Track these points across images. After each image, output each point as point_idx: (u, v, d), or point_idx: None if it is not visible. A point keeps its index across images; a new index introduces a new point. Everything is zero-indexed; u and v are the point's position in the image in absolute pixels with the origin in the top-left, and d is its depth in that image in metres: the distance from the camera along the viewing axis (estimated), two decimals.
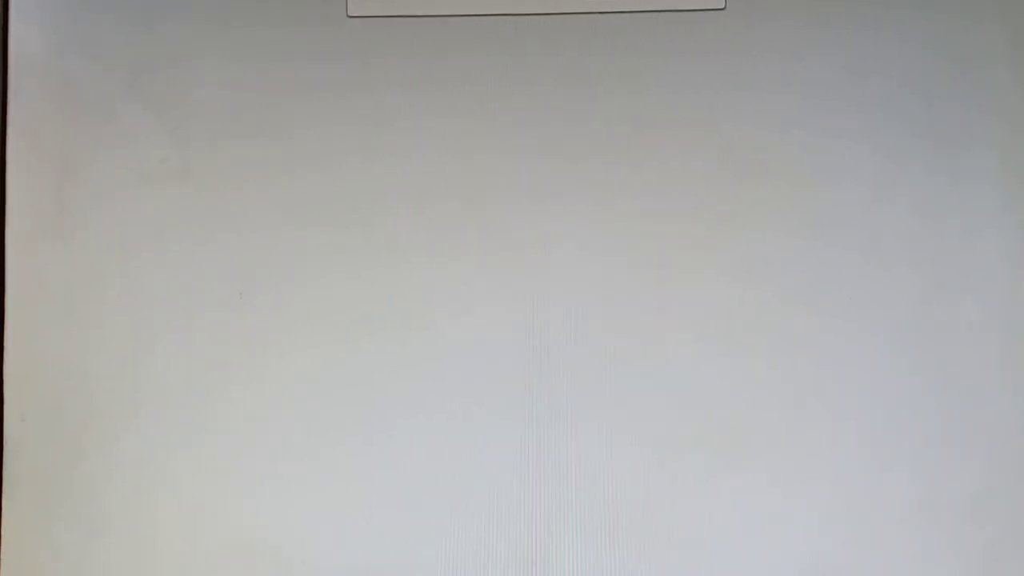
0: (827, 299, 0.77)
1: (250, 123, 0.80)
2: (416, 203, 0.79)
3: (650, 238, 0.78)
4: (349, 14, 0.80)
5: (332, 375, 0.78)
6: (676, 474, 0.77)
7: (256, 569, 0.78)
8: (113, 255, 0.79)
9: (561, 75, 0.79)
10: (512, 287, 0.78)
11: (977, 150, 0.78)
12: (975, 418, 0.76)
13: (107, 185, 0.80)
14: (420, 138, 0.79)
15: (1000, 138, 0.78)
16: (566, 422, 0.78)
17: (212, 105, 0.80)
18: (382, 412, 0.78)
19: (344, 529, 0.78)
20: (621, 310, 0.78)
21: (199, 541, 0.78)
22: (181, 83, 0.80)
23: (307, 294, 0.79)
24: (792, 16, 0.79)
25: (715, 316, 0.78)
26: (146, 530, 0.78)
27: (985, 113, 0.78)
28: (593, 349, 0.78)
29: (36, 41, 0.80)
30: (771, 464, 0.77)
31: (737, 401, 0.77)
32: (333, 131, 0.79)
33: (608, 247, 0.78)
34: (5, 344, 0.79)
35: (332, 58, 0.80)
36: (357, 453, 0.78)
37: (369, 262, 0.79)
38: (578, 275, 0.78)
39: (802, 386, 0.77)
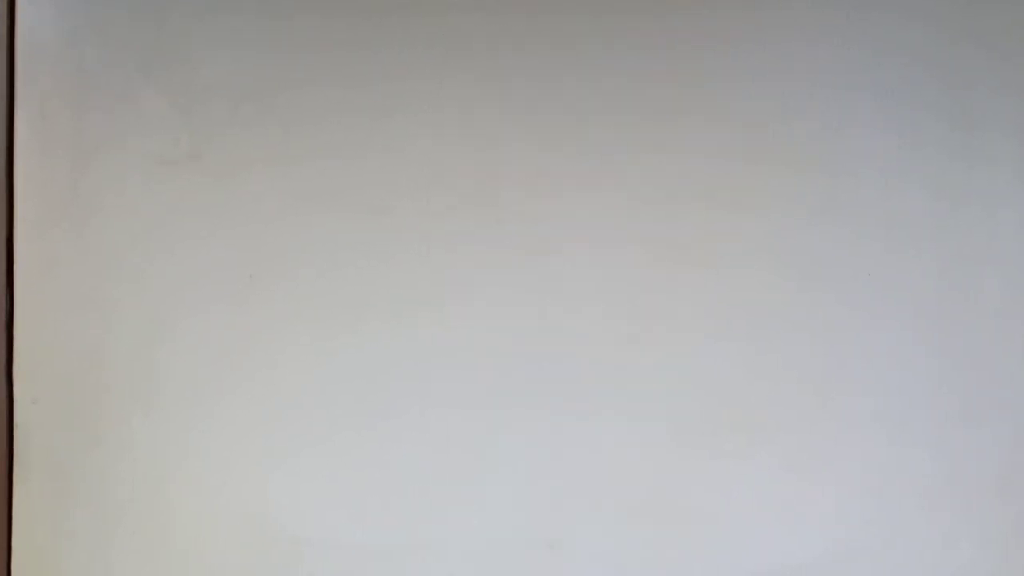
0: (846, 282, 0.77)
1: (261, 108, 0.79)
2: (430, 191, 0.79)
3: (666, 224, 0.78)
4: None
5: (347, 360, 0.78)
6: (694, 457, 0.77)
7: (271, 553, 0.77)
8: (125, 240, 0.79)
9: (576, 65, 0.79)
10: (525, 274, 0.78)
11: (995, 131, 0.77)
12: (996, 397, 0.76)
13: (119, 171, 0.79)
14: (433, 127, 0.79)
15: (1017, 118, 0.77)
16: (582, 406, 0.77)
17: (224, 90, 0.79)
18: (397, 397, 0.78)
19: (360, 511, 0.78)
20: (637, 296, 0.78)
21: (213, 524, 0.78)
22: (192, 69, 0.80)
23: (321, 281, 0.78)
24: (807, 2, 0.78)
25: (732, 301, 0.77)
26: (159, 512, 0.78)
27: (1003, 94, 0.77)
28: (609, 334, 0.77)
29: (47, 27, 0.80)
30: (791, 446, 0.76)
31: (757, 384, 0.77)
32: (343, 118, 0.79)
33: (624, 234, 0.78)
34: (15, 328, 0.79)
35: (342, 45, 0.79)
36: (373, 437, 0.78)
37: (386, 249, 0.78)
38: (594, 261, 0.78)
39: (822, 368, 0.77)
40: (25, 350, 0.79)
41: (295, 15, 0.79)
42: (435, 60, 0.79)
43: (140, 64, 0.80)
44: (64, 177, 0.79)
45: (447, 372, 0.78)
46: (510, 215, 0.78)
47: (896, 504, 0.76)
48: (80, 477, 0.78)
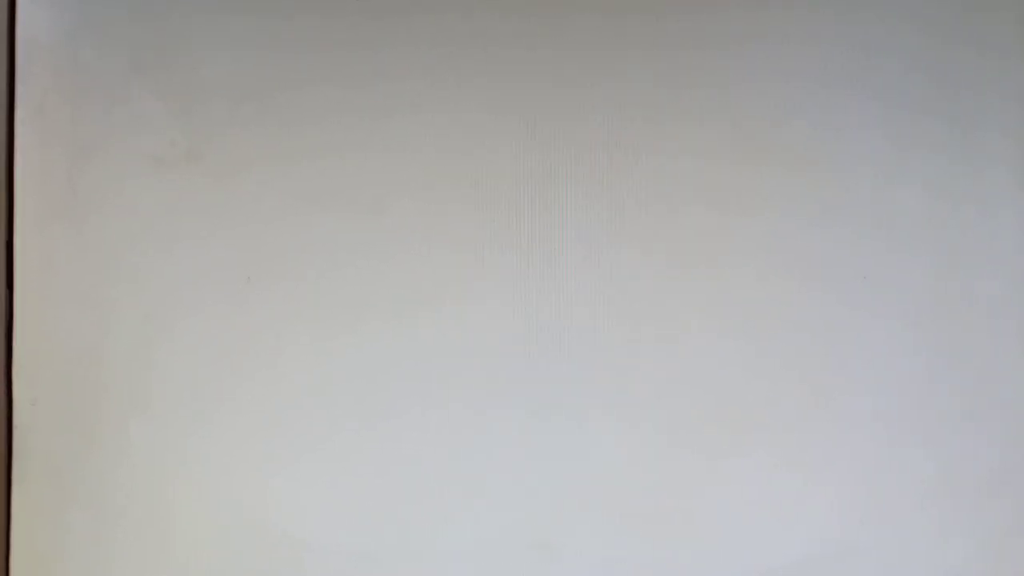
0: (845, 282, 0.77)
1: (261, 108, 0.79)
2: (426, 192, 0.78)
3: (662, 225, 0.78)
4: None
5: (343, 362, 0.78)
6: (689, 457, 0.77)
7: (269, 554, 0.77)
8: (124, 239, 0.79)
9: (573, 63, 0.79)
10: (523, 275, 0.78)
11: (991, 132, 0.78)
12: (991, 395, 0.76)
13: (118, 169, 0.79)
14: (429, 128, 0.79)
15: (1014, 119, 0.78)
16: (577, 408, 0.77)
17: (224, 90, 0.79)
18: (394, 399, 0.78)
19: (360, 514, 0.78)
20: (633, 296, 0.78)
21: (211, 525, 0.78)
22: (191, 68, 0.79)
23: (321, 281, 0.78)
24: (803, 3, 0.78)
25: (728, 301, 0.77)
26: (158, 515, 0.78)
27: (998, 95, 0.78)
28: (609, 334, 0.78)
29: (46, 25, 0.80)
30: (786, 445, 0.77)
31: (752, 383, 0.77)
32: (342, 118, 0.79)
33: (623, 234, 0.78)
34: (15, 329, 0.79)
35: (341, 45, 0.79)
36: (369, 439, 0.78)
37: (386, 249, 0.78)
38: (594, 261, 0.78)
39: (820, 367, 0.77)
40: (24, 350, 0.78)
41: (295, 15, 0.79)
42: (435, 60, 0.79)
43: (139, 63, 0.80)
44: (63, 176, 0.79)
45: (448, 374, 0.78)
46: (510, 215, 0.78)
47: (894, 502, 0.76)
48: (80, 478, 0.78)
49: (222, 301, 0.78)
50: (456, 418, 0.78)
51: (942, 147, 0.77)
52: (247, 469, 0.78)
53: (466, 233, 0.78)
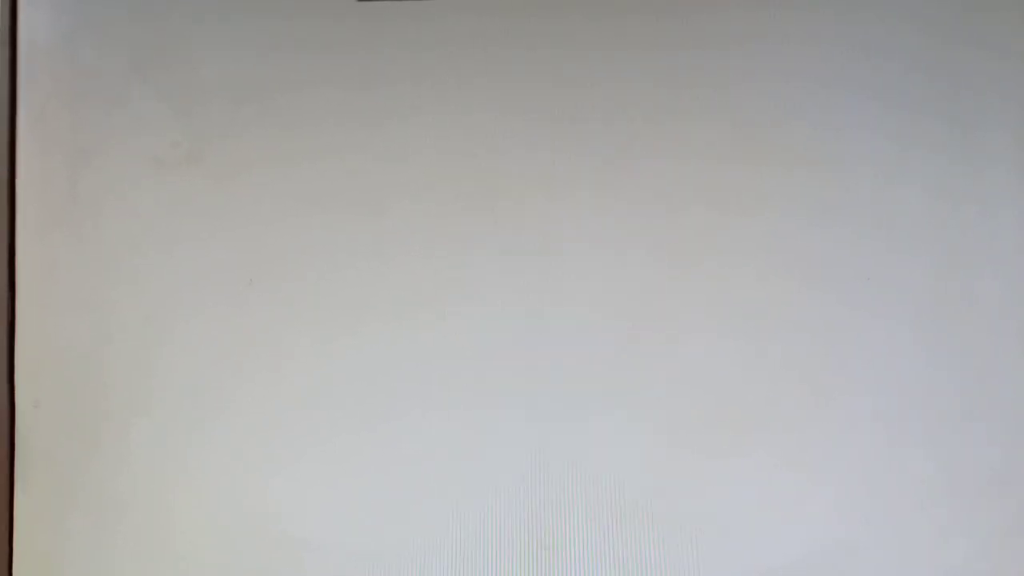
0: (846, 282, 0.77)
1: (262, 110, 0.79)
2: (428, 193, 0.79)
3: (663, 224, 0.78)
4: None
5: (344, 364, 0.78)
6: (690, 458, 0.77)
7: (271, 556, 0.78)
8: (125, 241, 0.79)
9: (573, 64, 0.79)
10: (524, 275, 0.78)
11: (991, 132, 0.77)
12: (991, 395, 0.76)
13: (119, 172, 0.79)
14: (434, 129, 0.79)
15: (1014, 119, 0.77)
16: (579, 408, 0.77)
17: (225, 92, 0.79)
18: (395, 400, 0.78)
19: (361, 514, 0.78)
20: (633, 296, 0.78)
21: (212, 526, 0.78)
22: (192, 70, 0.80)
23: (322, 283, 0.79)
24: (803, 3, 0.78)
25: (729, 300, 0.77)
26: (160, 518, 0.78)
27: (998, 95, 0.77)
28: (610, 335, 0.78)
29: (46, 28, 0.80)
30: (787, 446, 0.77)
31: (752, 383, 0.77)
32: (343, 120, 0.79)
33: (623, 235, 0.78)
34: (16, 331, 0.79)
35: (342, 46, 0.79)
36: (371, 440, 0.78)
37: (387, 251, 0.79)
38: (590, 262, 0.78)
39: (821, 367, 0.77)
40: (26, 353, 0.79)
41: (296, 16, 0.79)
42: (436, 62, 0.79)
43: (140, 65, 0.80)
44: (64, 180, 0.79)
45: (449, 375, 0.78)
46: (510, 216, 0.78)
47: (895, 502, 0.76)
48: (82, 480, 0.78)
49: (223, 303, 0.79)
50: (456, 419, 0.78)
51: (942, 147, 0.77)
52: (248, 470, 0.78)
53: (467, 234, 0.78)
